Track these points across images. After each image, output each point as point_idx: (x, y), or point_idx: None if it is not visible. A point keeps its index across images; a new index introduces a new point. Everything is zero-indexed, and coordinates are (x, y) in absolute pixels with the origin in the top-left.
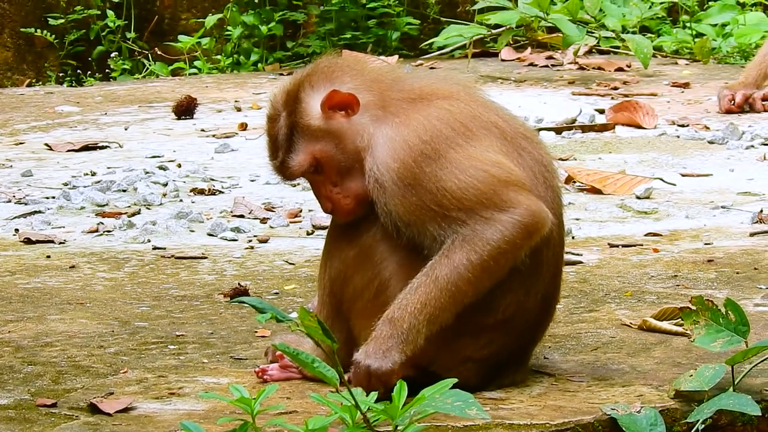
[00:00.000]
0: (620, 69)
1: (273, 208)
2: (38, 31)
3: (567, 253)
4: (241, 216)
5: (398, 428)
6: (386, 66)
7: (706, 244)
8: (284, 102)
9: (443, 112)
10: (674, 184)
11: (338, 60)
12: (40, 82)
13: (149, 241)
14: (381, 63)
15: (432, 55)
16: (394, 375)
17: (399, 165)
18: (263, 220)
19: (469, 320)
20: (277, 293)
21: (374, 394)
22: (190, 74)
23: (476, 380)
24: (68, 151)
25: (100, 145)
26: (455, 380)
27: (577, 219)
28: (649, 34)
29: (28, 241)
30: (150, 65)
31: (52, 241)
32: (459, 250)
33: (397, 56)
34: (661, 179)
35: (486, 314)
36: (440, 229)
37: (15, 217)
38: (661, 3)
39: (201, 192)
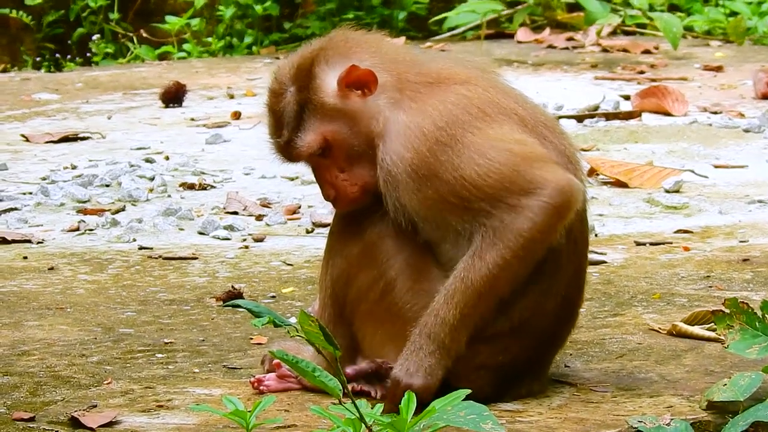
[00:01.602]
0: (647, 51)
1: (269, 204)
2: (13, 11)
3: (590, 252)
4: (235, 213)
5: None
6: (404, 45)
7: (741, 241)
8: (294, 76)
9: (460, 98)
10: (706, 177)
11: (355, 35)
12: (16, 68)
13: (135, 240)
14: (397, 42)
15: (442, 36)
16: (433, 392)
17: (413, 155)
18: (259, 217)
19: (482, 328)
20: (274, 297)
21: (380, 406)
22: (178, 58)
23: (490, 389)
24: (46, 142)
25: (81, 135)
26: (468, 391)
27: (601, 215)
28: (679, 13)
29: (3, 241)
30: (135, 48)
31: (29, 241)
32: (491, 248)
33: (404, 38)
34: (692, 171)
35: (500, 318)
36: (464, 222)
37: None
38: None
39: (191, 187)
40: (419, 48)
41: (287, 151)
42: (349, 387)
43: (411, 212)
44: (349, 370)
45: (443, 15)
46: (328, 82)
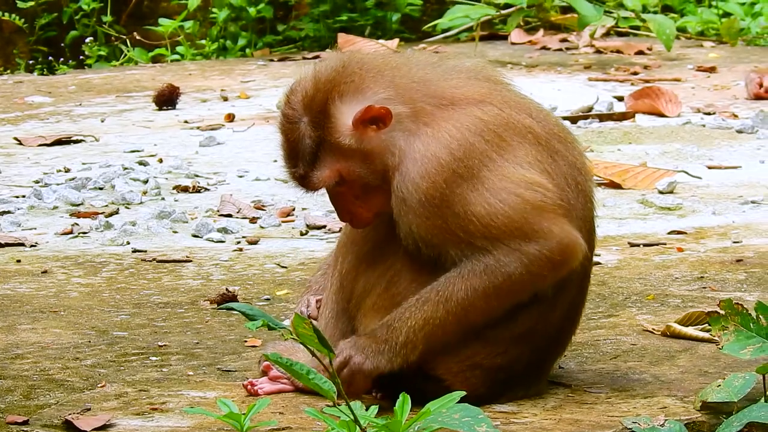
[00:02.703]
0: (641, 52)
1: (263, 206)
2: (6, 14)
3: None
4: (229, 215)
5: None
6: (416, 64)
7: (734, 242)
8: (307, 107)
9: (476, 122)
10: (700, 178)
11: (368, 62)
12: (9, 71)
13: (128, 243)
14: (408, 61)
15: (436, 38)
16: (369, 379)
17: (428, 185)
18: (253, 220)
19: (482, 329)
20: (268, 299)
21: (374, 408)
22: (171, 61)
23: (484, 389)
24: (39, 145)
25: (75, 138)
26: (463, 393)
27: (595, 216)
28: (672, 14)
29: None
30: (128, 51)
31: (22, 244)
32: (478, 278)
33: (397, 40)
34: (686, 172)
35: (502, 326)
36: (462, 255)
37: None
38: None
39: (185, 189)
40: (428, 59)
41: (302, 182)
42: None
43: (417, 237)
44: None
45: (435, 22)
46: (343, 122)
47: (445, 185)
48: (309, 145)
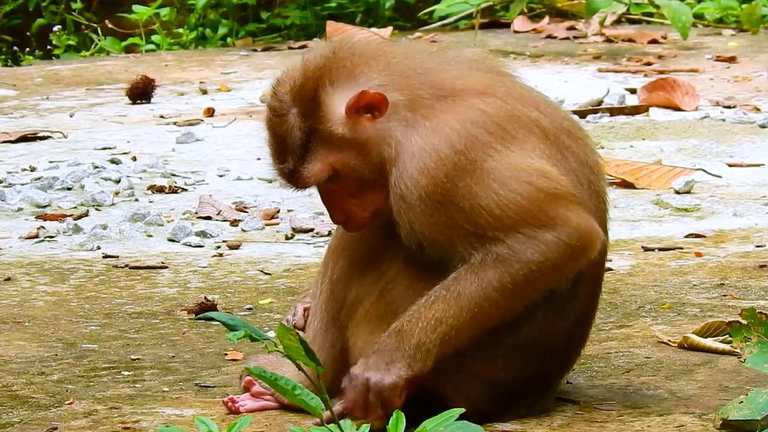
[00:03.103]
0: (654, 41)
1: (245, 208)
2: None
3: None
4: (208, 218)
5: None
6: (412, 53)
7: (757, 246)
8: (296, 96)
9: (478, 114)
10: (719, 176)
11: (360, 47)
12: None
13: (99, 248)
14: (404, 48)
15: (432, 26)
16: (397, 392)
17: (428, 180)
18: (234, 223)
19: (482, 339)
20: (250, 309)
21: (366, 427)
22: (146, 51)
23: (486, 405)
24: (3, 142)
25: (41, 134)
26: (462, 410)
27: None
28: (689, 0)
29: None
30: (99, 41)
31: None
32: (490, 268)
33: (391, 28)
34: (704, 170)
35: (504, 335)
36: (472, 249)
37: None
38: None
39: (160, 190)
40: (426, 48)
41: (292, 179)
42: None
43: (420, 237)
44: (338, 407)
45: (431, 9)
46: (335, 109)
47: (446, 180)
48: (299, 137)
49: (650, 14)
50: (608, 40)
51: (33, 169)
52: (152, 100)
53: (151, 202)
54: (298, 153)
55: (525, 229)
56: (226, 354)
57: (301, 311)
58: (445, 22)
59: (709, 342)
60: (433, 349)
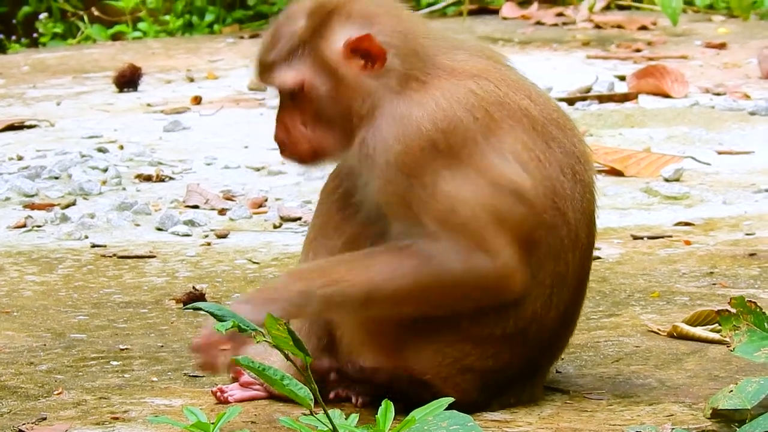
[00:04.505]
0: (644, 27)
1: (233, 196)
2: None
3: None
4: (196, 206)
5: None
6: (433, 30)
7: (747, 234)
8: (312, 12)
9: (468, 95)
10: (709, 164)
11: (392, 4)
12: None
13: (87, 237)
14: (427, 28)
15: (420, 12)
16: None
17: (402, 149)
18: (222, 211)
19: (470, 327)
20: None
21: (355, 416)
22: (133, 38)
23: (477, 394)
24: None
25: (28, 123)
26: (451, 399)
27: None
28: None
29: None
30: (86, 28)
31: None
32: (413, 258)
33: None
34: (694, 158)
35: (493, 323)
36: (408, 230)
37: None
38: None
39: (147, 178)
40: (445, 36)
41: (263, 71)
42: (331, 394)
43: (371, 197)
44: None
45: None
46: (338, 38)
47: (420, 153)
48: (294, 44)
49: (640, 0)
50: (597, 26)
51: (20, 158)
52: (139, 88)
53: (138, 190)
54: (284, 55)
55: (463, 240)
56: None
57: None
58: (433, 8)
59: (699, 331)
60: (316, 303)
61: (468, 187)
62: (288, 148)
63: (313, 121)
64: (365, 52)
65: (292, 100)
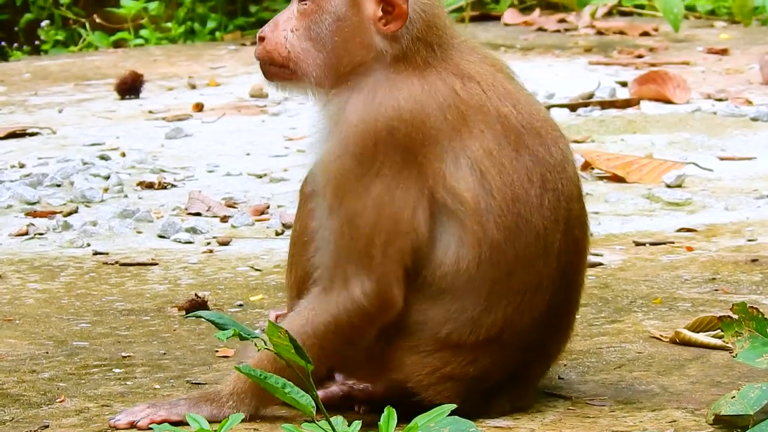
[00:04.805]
0: (646, 33)
1: (235, 203)
2: None
3: None
4: (198, 214)
5: None
6: (454, 33)
7: (749, 240)
8: None
9: (448, 94)
10: (711, 170)
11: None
12: None
13: (89, 244)
14: (453, 32)
15: None
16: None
17: (360, 129)
18: (224, 219)
19: (445, 336)
20: (241, 305)
21: (357, 423)
22: (135, 45)
23: (460, 401)
24: None
25: (30, 131)
26: (453, 406)
27: (596, 212)
28: None
29: None
30: (87, 35)
31: None
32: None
33: None
34: (696, 164)
35: (466, 331)
36: (318, 223)
37: None
38: None
39: (149, 186)
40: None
41: None
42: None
43: (314, 164)
44: (320, 393)
45: None
46: None
47: (375, 138)
48: None
49: (641, 6)
50: (599, 32)
51: (22, 166)
52: (141, 95)
53: (140, 198)
54: None
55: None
56: (217, 351)
57: (274, 317)
58: None
59: (701, 337)
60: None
61: (380, 201)
62: (267, 45)
63: (306, 34)
64: (391, 5)
65: (300, 2)
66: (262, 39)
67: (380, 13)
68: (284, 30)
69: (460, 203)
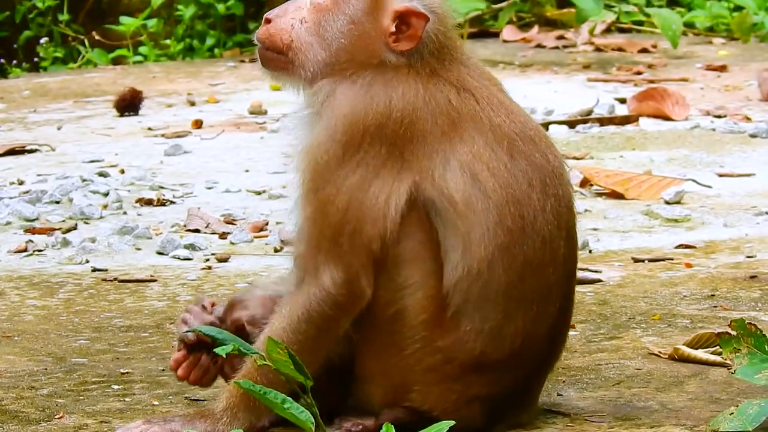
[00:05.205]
0: (644, 50)
1: (234, 220)
2: None
3: (583, 269)
4: (197, 230)
5: None
6: (464, 55)
7: (748, 257)
8: None
9: (442, 101)
10: (710, 187)
11: (450, 11)
12: None
13: (88, 261)
14: (468, 60)
15: None
16: None
17: (347, 120)
18: (222, 235)
19: (472, 356)
20: None
21: None
22: (134, 62)
23: (483, 420)
24: None
25: (29, 148)
26: (452, 423)
27: (595, 229)
28: (679, 8)
29: None
30: (87, 52)
31: None
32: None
33: None
34: (695, 181)
35: (493, 348)
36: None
37: None
38: None
39: (148, 202)
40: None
41: None
42: None
43: (298, 151)
44: None
45: None
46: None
47: (363, 130)
48: None
49: (640, 23)
50: (598, 49)
51: (21, 183)
52: (140, 112)
53: (139, 215)
54: None
55: (325, 245)
56: None
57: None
58: None
59: (700, 353)
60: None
61: (358, 190)
62: (272, 27)
63: (315, 29)
64: (406, 26)
65: None
66: (268, 21)
67: (393, 29)
68: (293, 18)
69: (448, 203)
